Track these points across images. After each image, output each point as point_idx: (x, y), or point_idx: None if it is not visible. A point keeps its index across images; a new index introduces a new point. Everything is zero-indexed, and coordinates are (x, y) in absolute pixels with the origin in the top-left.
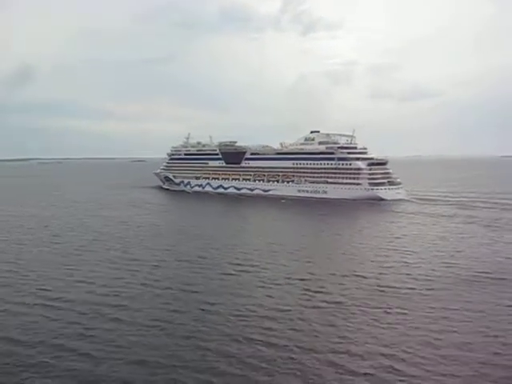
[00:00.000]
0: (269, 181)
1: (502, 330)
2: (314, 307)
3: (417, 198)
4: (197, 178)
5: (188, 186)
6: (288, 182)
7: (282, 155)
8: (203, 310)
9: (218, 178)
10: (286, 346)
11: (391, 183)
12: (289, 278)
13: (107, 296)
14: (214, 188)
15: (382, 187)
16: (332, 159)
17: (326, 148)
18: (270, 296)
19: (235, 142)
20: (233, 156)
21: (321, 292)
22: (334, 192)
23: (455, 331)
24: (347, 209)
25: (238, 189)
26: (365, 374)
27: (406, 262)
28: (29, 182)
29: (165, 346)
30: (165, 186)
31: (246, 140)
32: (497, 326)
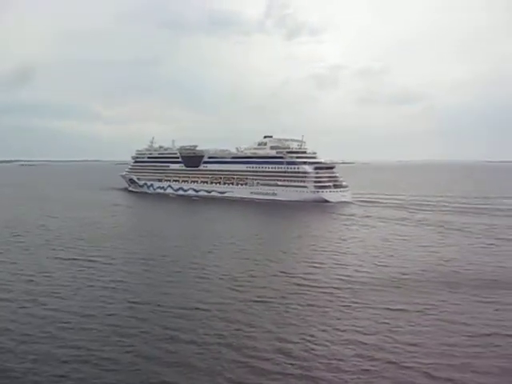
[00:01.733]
0: (225, 183)
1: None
2: (233, 304)
3: (361, 201)
4: (159, 181)
5: (151, 188)
6: (242, 184)
7: (237, 159)
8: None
9: (178, 181)
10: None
11: (337, 186)
12: (221, 276)
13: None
14: (174, 190)
15: (327, 190)
16: (281, 163)
17: (277, 152)
18: (199, 291)
19: (196, 146)
20: (192, 159)
21: (239, 291)
22: (282, 194)
23: (359, 330)
24: (290, 210)
25: (197, 191)
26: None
27: (334, 262)
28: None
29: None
30: (130, 188)
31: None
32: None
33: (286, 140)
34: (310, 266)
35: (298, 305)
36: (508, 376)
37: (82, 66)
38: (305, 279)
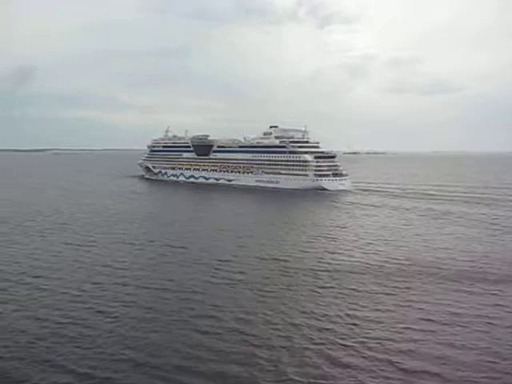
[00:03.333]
0: (232, 171)
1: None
2: (217, 284)
3: (360, 189)
4: (172, 169)
5: (165, 176)
6: (248, 172)
7: (244, 148)
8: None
9: (190, 169)
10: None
11: (336, 175)
12: (213, 259)
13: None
14: (186, 178)
15: (327, 178)
16: (284, 152)
17: (280, 142)
18: (183, 274)
19: (207, 136)
20: (202, 148)
21: (229, 271)
22: (285, 182)
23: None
24: (289, 198)
25: (207, 178)
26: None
27: (324, 248)
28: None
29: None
30: (146, 176)
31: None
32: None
33: (290, 130)
34: (294, 251)
35: (275, 285)
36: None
37: (109, 57)
38: (286, 262)
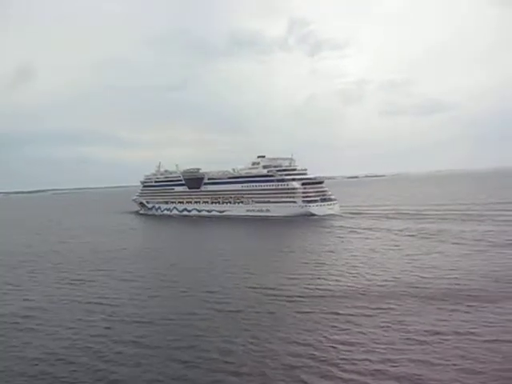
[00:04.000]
0: (223, 202)
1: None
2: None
3: (349, 213)
4: (166, 203)
5: (159, 210)
6: (238, 202)
7: (233, 179)
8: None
9: (182, 202)
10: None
11: (324, 200)
12: (201, 291)
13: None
14: (179, 211)
15: (314, 204)
16: (272, 181)
17: (268, 171)
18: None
19: (199, 169)
20: (193, 181)
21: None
22: (275, 210)
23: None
24: (280, 225)
25: (199, 211)
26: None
27: (310, 273)
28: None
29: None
30: (141, 211)
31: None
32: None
33: (278, 159)
34: (281, 278)
35: (257, 313)
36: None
37: (107, 92)
38: (274, 290)
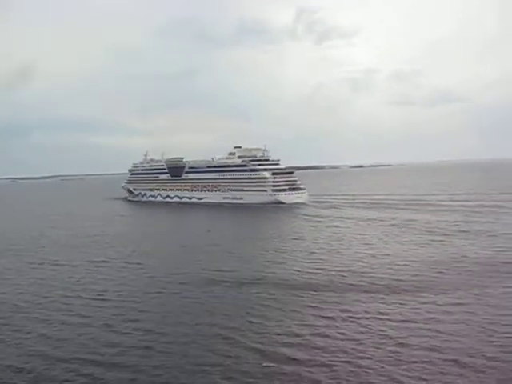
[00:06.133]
0: (202, 190)
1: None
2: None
3: (316, 202)
4: (150, 190)
5: (144, 197)
6: (216, 190)
7: (211, 168)
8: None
9: (166, 189)
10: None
11: (293, 189)
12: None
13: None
14: (163, 198)
15: (283, 193)
16: (246, 170)
17: (242, 161)
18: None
19: (182, 158)
20: (175, 170)
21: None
22: (247, 198)
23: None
24: (250, 212)
25: (180, 197)
26: None
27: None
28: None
29: None
30: (128, 198)
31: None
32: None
33: (253, 149)
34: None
35: (210, 296)
36: None
37: (119, 81)
38: (223, 274)
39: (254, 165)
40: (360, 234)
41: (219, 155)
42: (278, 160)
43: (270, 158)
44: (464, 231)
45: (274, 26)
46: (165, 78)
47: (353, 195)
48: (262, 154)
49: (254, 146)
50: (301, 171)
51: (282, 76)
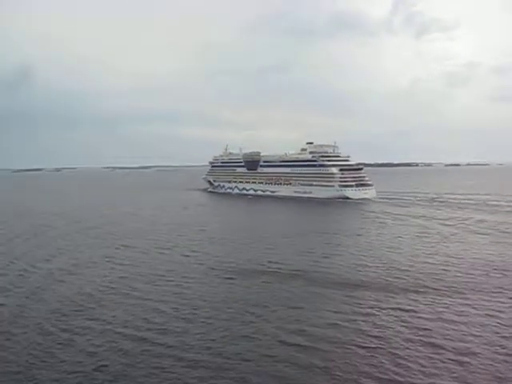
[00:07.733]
0: (275, 184)
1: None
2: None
3: (383, 198)
4: (228, 182)
5: (223, 189)
6: (287, 184)
7: (284, 162)
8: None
9: (242, 182)
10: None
11: (360, 185)
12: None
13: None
14: (239, 190)
15: (350, 188)
16: (315, 166)
17: (312, 157)
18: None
19: (259, 153)
20: (251, 163)
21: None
22: (316, 192)
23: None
24: (318, 206)
25: (255, 190)
26: None
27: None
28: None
29: None
30: (209, 189)
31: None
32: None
33: (324, 146)
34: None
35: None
36: None
37: (211, 76)
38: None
39: (323, 160)
40: (423, 233)
41: (292, 150)
42: (348, 156)
43: (341, 155)
44: None
45: (370, 19)
46: (256, 72)
47: (425, 193)
48: (331, 151)
49: (325, 143)
50: (388, 168)
51: (377, 70)
